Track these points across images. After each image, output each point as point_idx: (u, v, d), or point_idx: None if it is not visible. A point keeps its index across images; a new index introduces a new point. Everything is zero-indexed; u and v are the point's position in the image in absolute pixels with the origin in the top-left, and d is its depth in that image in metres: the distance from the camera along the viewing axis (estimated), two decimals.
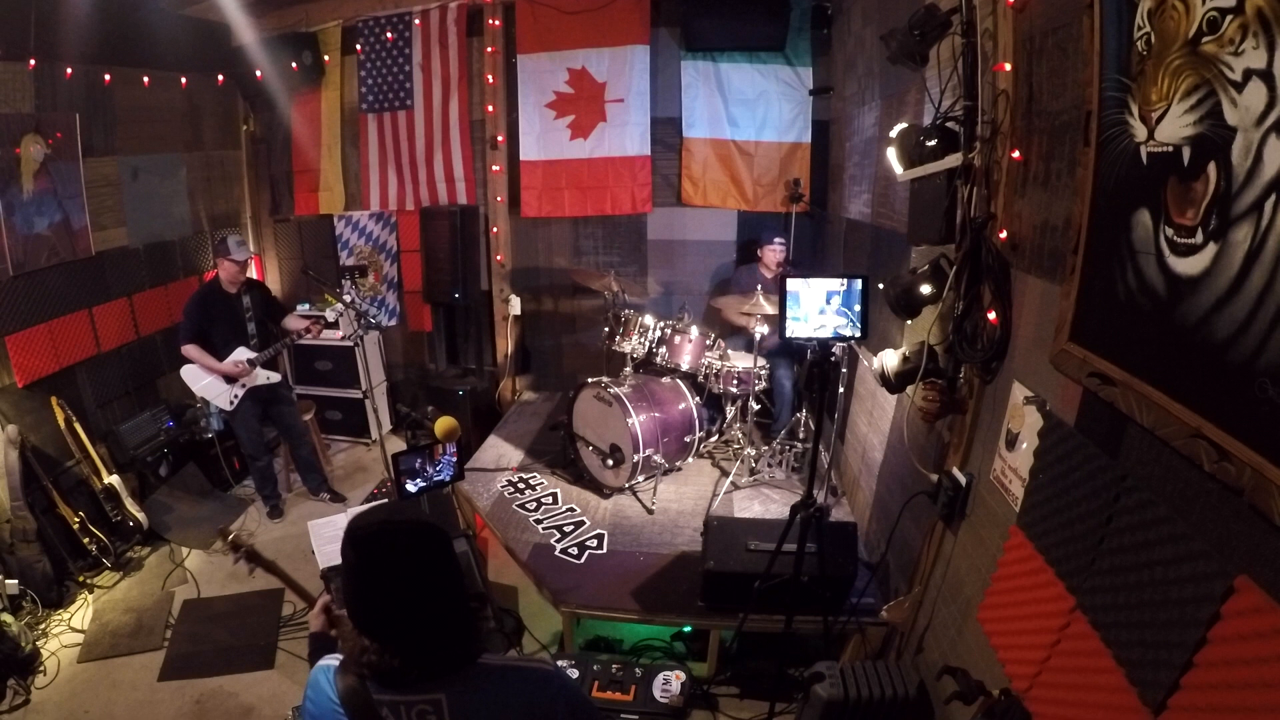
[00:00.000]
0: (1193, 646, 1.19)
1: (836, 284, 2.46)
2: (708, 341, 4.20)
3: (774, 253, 4.47)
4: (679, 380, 4.16)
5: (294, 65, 4.94)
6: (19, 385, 3.67)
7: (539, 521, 3.69)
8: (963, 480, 2.25)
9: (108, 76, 4.21)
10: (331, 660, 1.18)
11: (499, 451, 4.58)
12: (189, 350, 3.93)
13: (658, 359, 4.21)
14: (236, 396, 4.05)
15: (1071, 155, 1.72)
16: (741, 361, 4.18)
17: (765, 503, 3.86)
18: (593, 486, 4.03)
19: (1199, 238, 1.23)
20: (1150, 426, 1.35)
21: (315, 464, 4.56)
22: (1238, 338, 1.13)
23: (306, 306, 5.37)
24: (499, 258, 5.34)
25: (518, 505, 3.87)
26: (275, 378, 4.17)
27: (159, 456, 4.39)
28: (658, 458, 3.81)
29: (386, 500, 3.24)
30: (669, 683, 2.80)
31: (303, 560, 3.80)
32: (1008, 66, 2.01)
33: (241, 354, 4.02)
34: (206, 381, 4.00)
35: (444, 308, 5.42)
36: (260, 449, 4.30)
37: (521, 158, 5.13)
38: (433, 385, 5.32)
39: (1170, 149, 1.29)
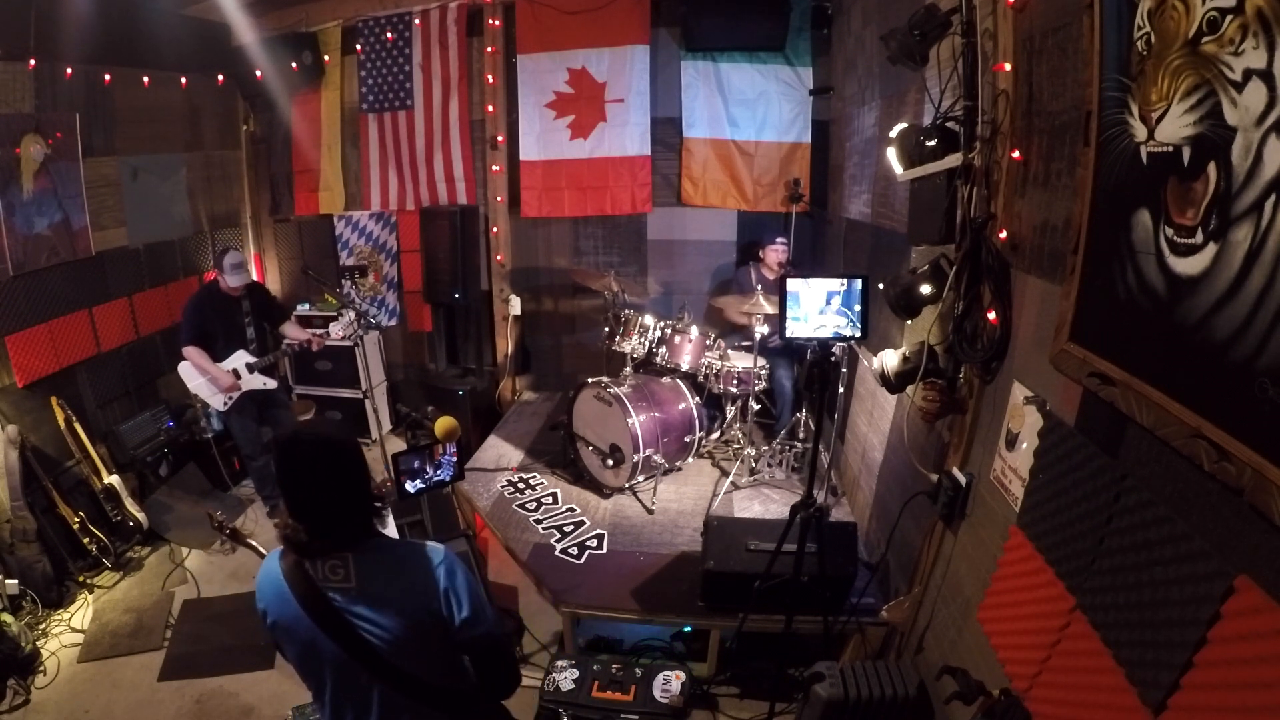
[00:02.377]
0: (1193, 646, 1.19)
1: (836, 284, 2.46)
2: (708, 341, 4.20)
3: (776, 253, 4.46)
4: (679, 380, 4.16)
5: (294, 65, 4.93)
6: (19, 385, 3.66)
7: (539, 521, 3.69)
8: (963, 480, 2.25)
9: (108, 76, 4.21)
10: (279, 548, 1.50)
11: (499, 451, 4.58)
12: (190, 352, 3.92)
13: (658, 359, 4.21)
14: (231, 397, 4.04)
15: (1071, 155, 1.72)
16: (741, 361, 4.18)
17: (765, 503, 3.86)
18: (593, 486, 4.02)
19: (1199, 238, 1.23)
20: (1150, 426, 1.35)
21: None
22: (1238, 338, 1.13)
23: (307, 306, 5.37)
24: (499, 258, 5.34)
25: (518, 505, 3.87)
26: (271, 384, 4.15)
27: (159, 456, 4.39)
28: (658, 458, 3.81)
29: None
30: (669, 683, 2.80)
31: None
32: (1008, 66, 2.01)
33: (241, 358, 4.01)
34: (202, 380, 3.99)
35: (444, 308, 5.42)
36: (257, 449, 4.28)
37: (521, 158, 5.13)
38: (433, 385, 5.32)
39: (1170, 149, 1.29)
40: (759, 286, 3.94)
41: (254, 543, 2.55)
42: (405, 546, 1.54)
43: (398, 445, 5.16)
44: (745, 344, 4.30)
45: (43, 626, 3.37)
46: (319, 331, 4.33)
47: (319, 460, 1.42)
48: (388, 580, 1.44)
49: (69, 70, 3.95)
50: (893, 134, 2.54)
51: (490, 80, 5.00)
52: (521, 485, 4.11)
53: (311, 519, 1.42)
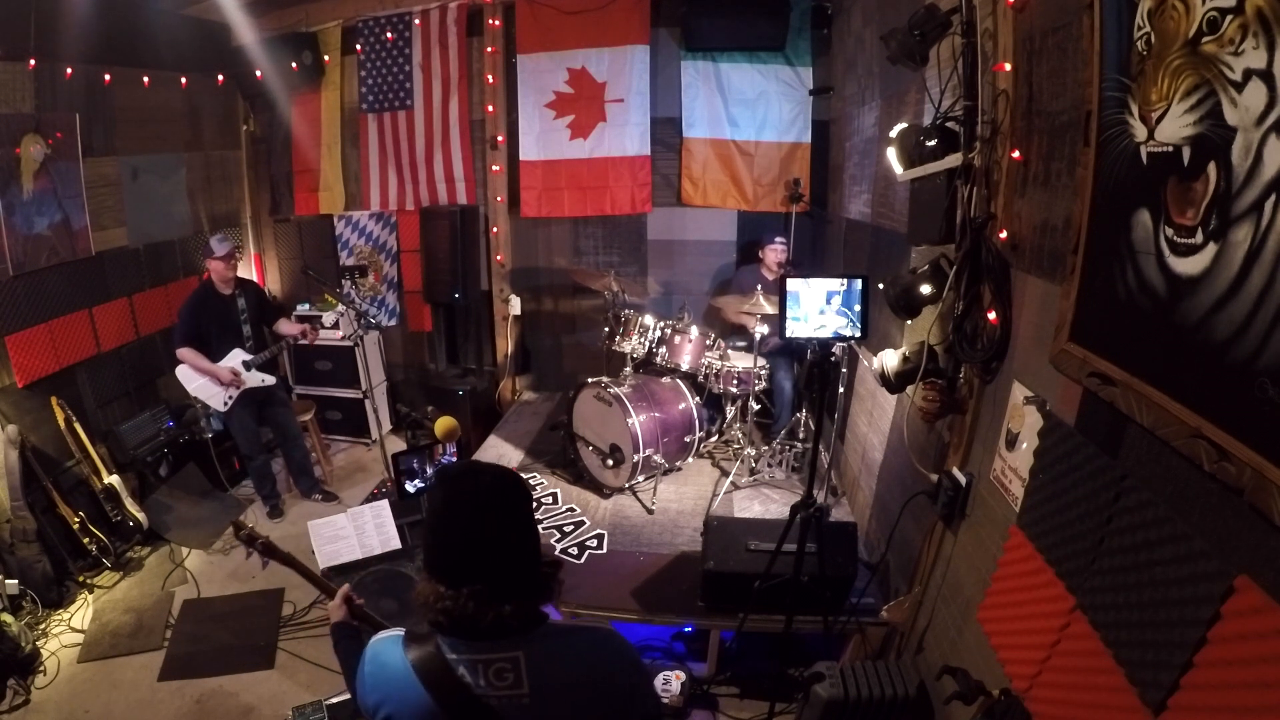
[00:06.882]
0: (1193, 646, 1.19)
1: (836, 284, 2.45)
2: (708, 341, 4.20)
3: (775, 252, 4.46)
4: (679, 380, 4.16)
5: (294, 65, 4.94)
6: (19, 385, 3.66)
7: (539, 521, 3.68)
8: (963, 480, 2.25)
9: (108, 76, 4.21)
10: (393, 633, 1.19)
11: (499, 451, 4.57)
12: (184, 353, 3.93)
13: (658, 359, 4.21)
14: (231, 397, 4.04)
15: (1071, 155, 1.72)
16: (741, 361, 4.18)
17: (765, 503, 3.86)
18: (593, 486, 4.02)
19: (1199, 238, 1.23)
20: (1150, 426, 1.35)
21: (307, 467, 4.55)
22: (1238, 338, 1.13)
23: (306, 306, 5.37)
24: (499, 258, 5.34)
25: None
26: (270, 381, 4.16)
27: (159, 456, 4.39)
28: (658, 458, 3.81)
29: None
30: (669, 683, 2.80)
31: (303, 560, 3.80)
32: (1008, 66, 2.01)
33: (237, 356, 4.02)
34: (201, 382, 3.99)
35: (444, 308, 5.42)
36: (257, 449, 4.29)
37: (521, 158, 5.13)
38: (433, 385, 5.32)
39: (1170, 149, 1.29)
40: (759, 286, 3.94)
41: (295, 558, 1.99)
42: (582, 635, 1.23)
43: (398, 445, 5.17)
44: (744, 344, 4.30)
45: (43, 626, 3.37)
46: (311, 316, 4.32)
47: (496, 502, 1.11)
48: (571, 685, 1.12)
49: (69, 70, 3.95)
50: (893, 134, 2.54)
51: (490, 80, 5.00)
52: None
53: (482, 583, 1.07)
